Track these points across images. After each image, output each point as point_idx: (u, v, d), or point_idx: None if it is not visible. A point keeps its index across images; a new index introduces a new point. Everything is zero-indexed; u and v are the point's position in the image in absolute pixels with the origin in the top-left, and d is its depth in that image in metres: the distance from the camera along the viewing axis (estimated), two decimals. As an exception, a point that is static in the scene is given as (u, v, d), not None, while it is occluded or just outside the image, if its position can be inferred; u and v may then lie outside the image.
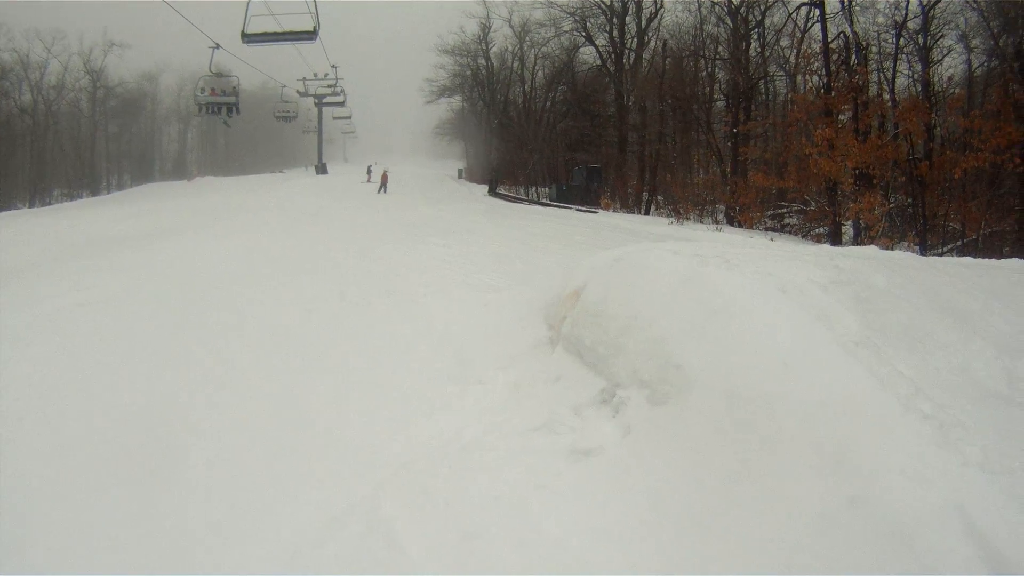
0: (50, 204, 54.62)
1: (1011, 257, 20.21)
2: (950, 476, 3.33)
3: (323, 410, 5.86)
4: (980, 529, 3.00)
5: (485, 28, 57.71)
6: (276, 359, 6.94)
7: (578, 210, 32.13)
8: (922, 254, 21.43)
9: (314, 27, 26.14)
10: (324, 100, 64.40)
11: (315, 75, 52.17)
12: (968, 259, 9.53)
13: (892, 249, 21.27)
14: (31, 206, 54.68)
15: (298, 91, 64.15)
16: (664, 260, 5.95)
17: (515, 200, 40.16)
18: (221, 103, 40.73)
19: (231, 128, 57.68)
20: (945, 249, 23.89)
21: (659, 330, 5.09)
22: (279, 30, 26.69)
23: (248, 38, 26.32)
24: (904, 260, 6.94)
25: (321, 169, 66.26)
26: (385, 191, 38.79)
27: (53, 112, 68.40)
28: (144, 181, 70.43)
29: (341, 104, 57.22)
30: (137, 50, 71.24)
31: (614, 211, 35.19)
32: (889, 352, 4.57)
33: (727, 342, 4.58)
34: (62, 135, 69.83)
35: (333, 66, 51.02)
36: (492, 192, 45.11)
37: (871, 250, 7.86)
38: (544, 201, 39.82)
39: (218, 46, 34.07)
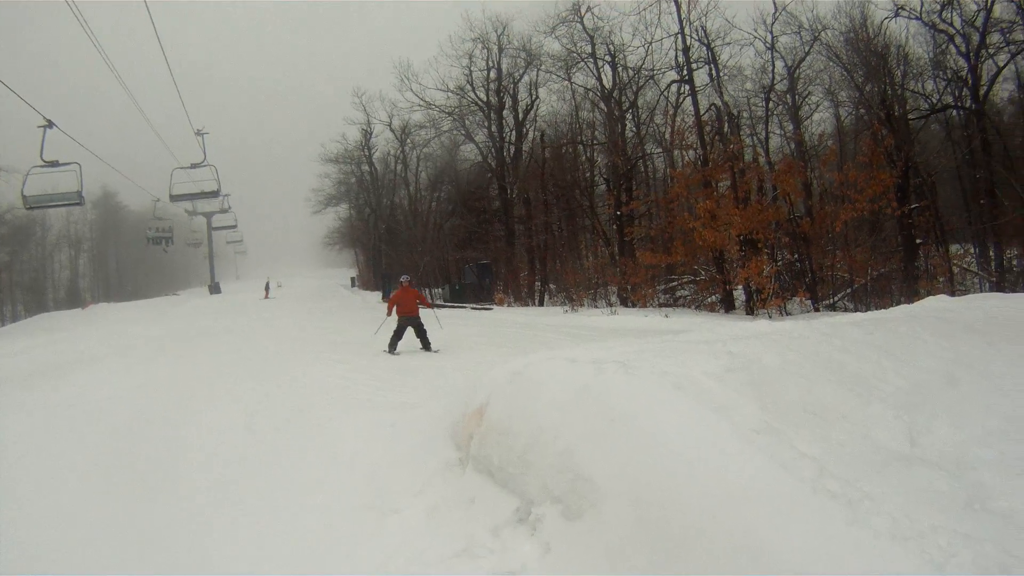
0: (-61, 338, 52.72)
1: (899, 296, 20.71)
2: (863, 551, 3.37)
3: (235, 559, 5.52)
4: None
5: (367, 134, 58.30)
6: (180, 507, 6.46)
7: (473, 308, 31.82)
8: (814, 307, 22.19)
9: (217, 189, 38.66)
10: (206, 208, 64.38)
11: (191, 164, 42.65)
12: (857, 315, 9.93)
13: (785, 306, 21.64)
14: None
15: (186, 211, 64.35)
16: (562, 371, 5.93)
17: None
18: (161, 237, 56.63)
19: (166, 252, 65.12)
20: (836, 298, 24.57)
21: (564, 443, 5.05)
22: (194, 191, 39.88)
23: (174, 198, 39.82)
24: (795, 331, 7.11)
25: (215, 289, 67.21)
26: (429, 347, 16.94)
27: (-61, 239, 67.02)
28: (38, 311, 68.49)
29: (215, 194, 46.18)
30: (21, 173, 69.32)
31: (508, 305, 35.11)
32: (790, 434, 4.63)
33: (631, 448, 4.57)
34: (-51, 264, 68.29)
35: (198, 132, 42.44)
36: (386, 298, 44.48)
37: (763, 325, 8.14)
38: (438, 303, 39.26)
39: (158, 200, 46.60)
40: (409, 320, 16.85)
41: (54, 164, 27.48)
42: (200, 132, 41.36)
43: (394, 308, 17.22)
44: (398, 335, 16.73)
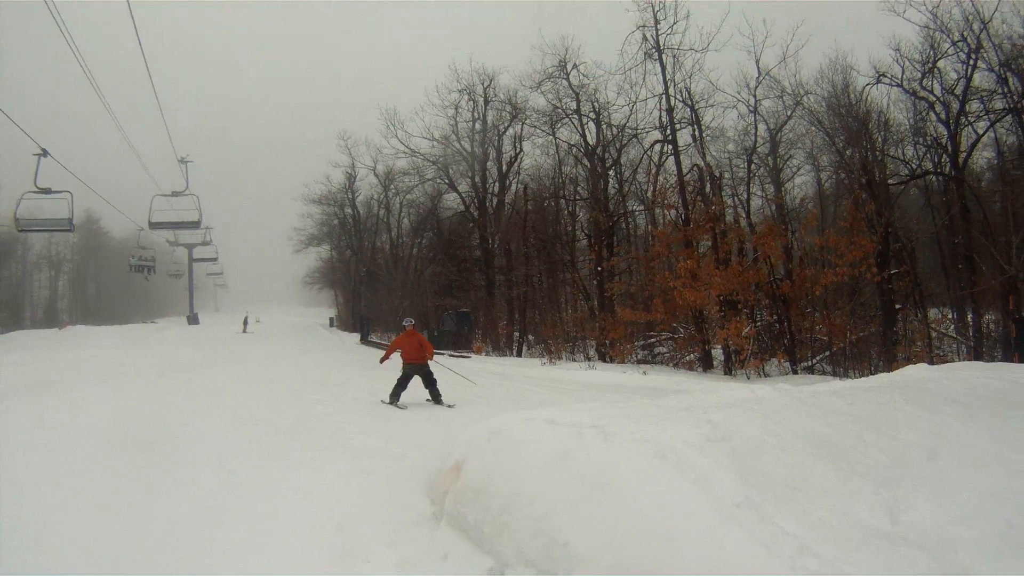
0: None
1: (877, 360, 20.84)
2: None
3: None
4: None
5: (351, 177, 58.60)
6: (146, 546, 6.17)
7: (451, 355, 31.54)
8: (792, 369, 22.16)
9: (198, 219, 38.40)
10: (187, 239, 65.99)
11: (172, 192, 40.40)
12: (837, 384, 9.88)
13: (763, 367, 21.63)
14: None
15: (168, 241, 64.49)
16: (541, 433, 5.90)
17: (386, 348, 39.43)
18: (144, 266, 55.23)
19: (148, 281, 63.57)
20: (815, 360, 24.45)
21: (541, 507, 4.98)
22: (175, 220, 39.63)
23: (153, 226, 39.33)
24: (776, 402, 7.06)
25: (193, 319, 68.47)
26: (440, 400, 15.18)
27: (-80, 251, 66.98)
28: (14, 328, 68.28)
29: (195, 225, 42.63)
30: (7, 192, 68.95)
31: (486, 354, 34.88)
32: (770, 509, 4.55)
33: (610, 516, 4.50)
34: (-72, 276, 68.11)
35: (182, 160, 41.24)
36: (364, 340, 44.49)
37: (743, 393, 7.97)
38: (414, 349, 39.07)
39: (143, 228, 44.64)
40: (416, 368, 15.14)
41: (47, 191, 29.31)
42: (184, 160, 40.88)
43: (393, 356, 15.83)
44: (402, 385, 14.99)
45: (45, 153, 27.50)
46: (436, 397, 15.12)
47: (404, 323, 15.94)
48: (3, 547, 5.90)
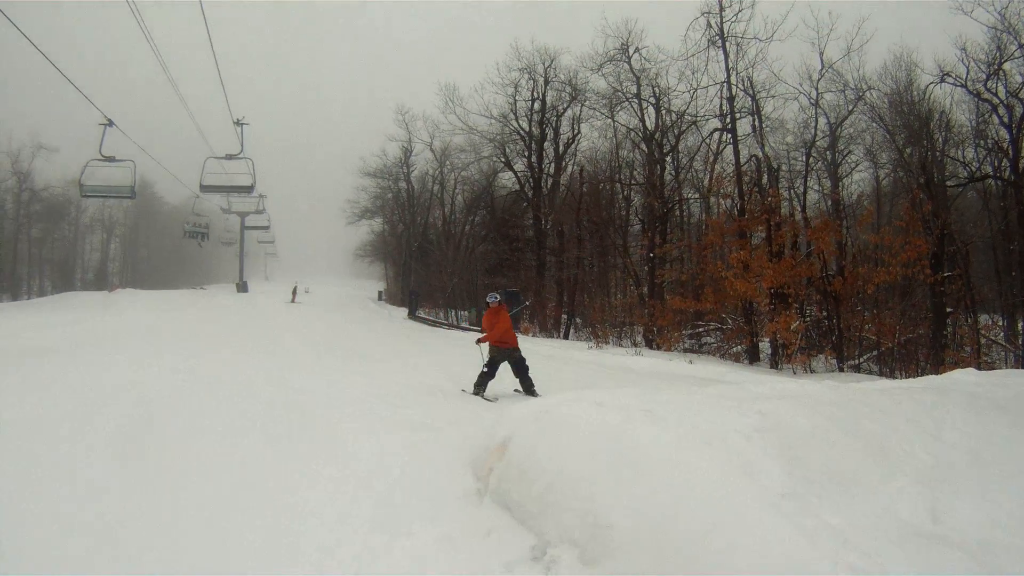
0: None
1: (925, 363, 20.65)
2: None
3: (246, 562, 5.35)
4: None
5: (407, 151, 58.65)
6: (183, 506, 6.24)
7: (498, 334, 31.63)
8: (839, 366, 21.90)
9: (251, 184, 37.39)
10: (240, 207, 66.79)
11: (227, 155, 39.06)
12: (886, 383, 9.81)
13: (810, 363, 21.47)
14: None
15: (222, 208, 65.26)
16: (589, 414, 5.92)
17: (435, 324, 39.65)
18: (198, 232, 57.29)
19: (201, 247, 68.15)
20: (862, 359, 24.19)
21: (587, 487, 5.01)
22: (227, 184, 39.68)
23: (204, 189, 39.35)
24: (824, 396, 6.99)
25: (242, 287, 68.00)
26: (534, 391, 12.99)
27: (-24, 210, 68.49)
28: (64, 289, 70.65)
29: (248, 190, 41.36)
30: (64, 154, 70.40)
31: (533, 335, 34.67)
32: (814, 502, 4.56)
33: (656, 501, 4.52)
34: (-17, 234, 69.42)
35: (238, 122, 38.45)
36: (412, 315, 44.77)
37: (792, 387, 7.88)
38: (464, 325, 39.14)
39: (198, 195, 46.57)
40: (506, 353, 13.13)
41: (111, 159, 30.53)
42: (240, 122, 39.09)
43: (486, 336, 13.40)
44: (490, 373, 12.97)
45: (111, 123, 28.50)
46: (528, 387, 13.09)
47: (488, 299, 13.84)
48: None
